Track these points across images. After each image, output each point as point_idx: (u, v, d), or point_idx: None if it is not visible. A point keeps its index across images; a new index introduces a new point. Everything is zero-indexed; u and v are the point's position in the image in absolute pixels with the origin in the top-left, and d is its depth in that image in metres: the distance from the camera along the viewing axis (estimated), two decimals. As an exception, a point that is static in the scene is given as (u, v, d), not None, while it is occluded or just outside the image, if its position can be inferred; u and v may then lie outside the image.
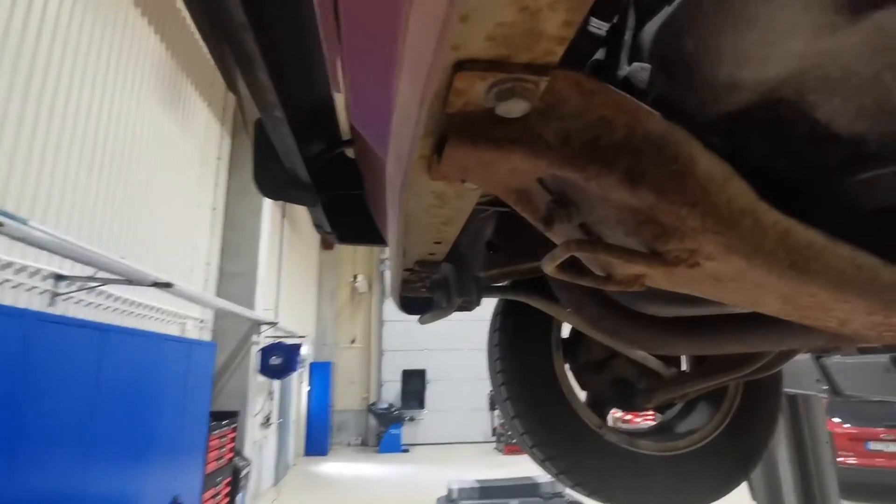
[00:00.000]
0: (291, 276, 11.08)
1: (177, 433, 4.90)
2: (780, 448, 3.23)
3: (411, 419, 14.94)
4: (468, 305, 1.20)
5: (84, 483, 3.38)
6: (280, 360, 7.95)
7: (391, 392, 15.46)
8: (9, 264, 3.34)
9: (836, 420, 7.14)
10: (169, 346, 4.80)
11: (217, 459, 6.01)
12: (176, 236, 6.01)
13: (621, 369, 1.79)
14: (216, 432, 5.99)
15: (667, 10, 0.50)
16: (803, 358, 2.49)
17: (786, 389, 2.07)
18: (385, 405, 14.51)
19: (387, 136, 0.68)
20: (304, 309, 13.07)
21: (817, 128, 0.50)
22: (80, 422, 3.39)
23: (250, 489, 7.39)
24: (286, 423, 10.28)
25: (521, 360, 1.68)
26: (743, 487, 2.02)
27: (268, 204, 8.06)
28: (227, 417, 6.55)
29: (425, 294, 1.30)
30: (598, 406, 1.77)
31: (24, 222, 3.00)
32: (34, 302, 3.60)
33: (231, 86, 1.01)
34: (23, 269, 3.49)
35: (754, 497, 3.39)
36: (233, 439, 6.63)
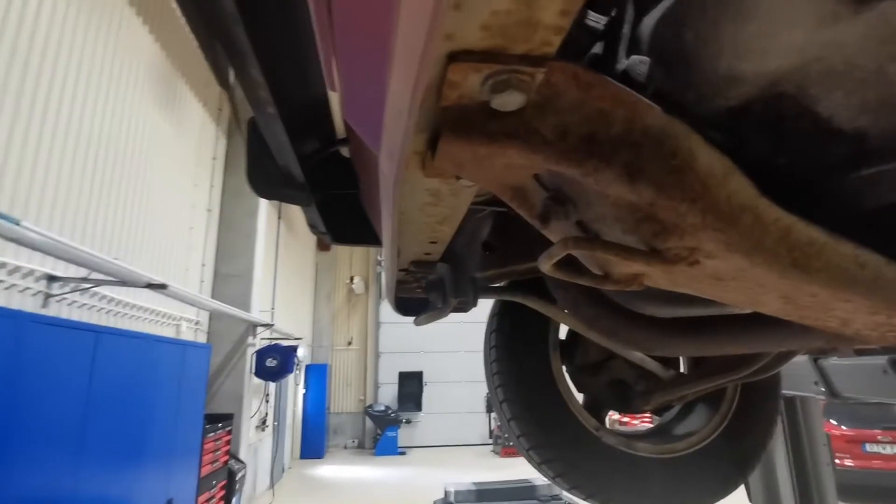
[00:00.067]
0: (287, 278, 11.04)
1: (171, 436, 4.86)
2: (778, 450, 3.23)
3: (408, 421, 14.91)
4: (464, 306, 1.19)
5: (77, 486, 3.34)
6: (276, 363, 7.92)
7: (388, 394, 15.43)
8: (1, 265, 3.31)
9: (834, 422, 7.15)
10: (163, 348, 4.76)
11: (212, 462, 5.97)
12: (171, 237, 5.98)
13: (619, 371, 1.78)
14: (211, 435, 5.96)
15: (666, 2, 0.49)
16: (801, 360, 2.49)
17: (783, 391, 2.06)
18: (382, 407, 14.48)
19: (381, 133, 0.67)
20: (300, 311, 13.04)
21: (819, 123, 0.49)
22: (73, 424, 3.35)
23: (245, 492, 7.35)
24: (282, 426, 10.24)
25: (517, 361, 1.67)
26: (741, 490, 2.01)
27: (264, 205, 8.03)
28: (223, 420, 6.51)
29: (421, 295, 1.28)
30: (596, 408, 1.76)
31: (16, 223, 2.97)
32: (27, 303, 3.57)
33: (222, 81, 1.00)
34: (15, 269, 3.46)
35: (752, 499, 3.38)
36: (228, 442, 6.58)
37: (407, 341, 15.48)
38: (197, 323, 6.79)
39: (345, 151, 1.47)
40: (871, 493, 6.68)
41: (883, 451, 6.96)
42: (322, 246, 15.05)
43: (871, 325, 0.58)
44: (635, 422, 12.39)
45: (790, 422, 3.29)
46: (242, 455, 7.24)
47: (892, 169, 0.49)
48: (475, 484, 6.82)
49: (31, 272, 3.61)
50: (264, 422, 8.93)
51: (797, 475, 3.20)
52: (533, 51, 0.36)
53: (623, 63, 0.53)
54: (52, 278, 3.81)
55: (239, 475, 6.77)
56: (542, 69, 0.38)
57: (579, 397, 1.77)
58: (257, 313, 7.92)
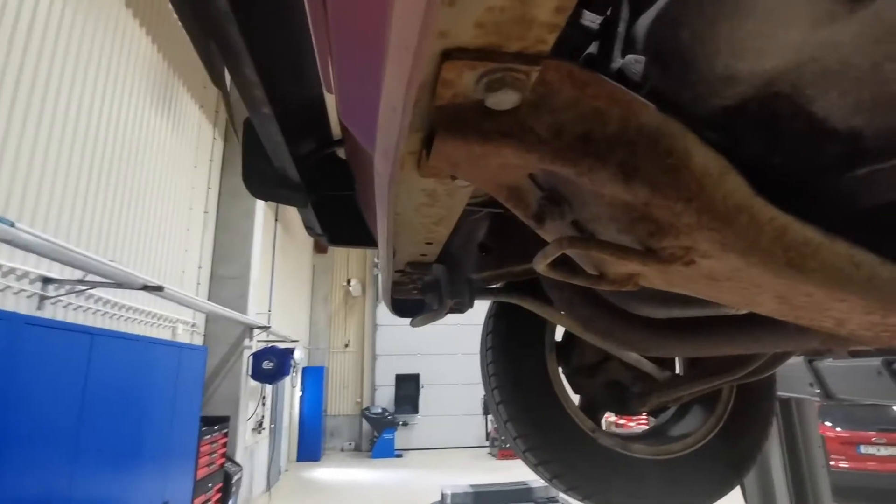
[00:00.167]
0: (284, 280, 11.02)
1: (167, 438, 4.84)
2: (774, 452, 3.23)
3: (405, 424, 14.87)
4: (460, 307, 1.19)
5: (71, 489, 3.32)
6: (272, 365, 7.89)
7: (385, 396, 15.40)
8: (-5, 267, 3.30)
9: (828, 424, 7.17)
10: (159, 350, 4.74)
11: (208, 465, 5.94)
12: (167, 239, 5.96)
13: (615, 373, 1.78)
14: (207, 437, 5.93)
15: (662, 1, 0.49)
16: (796, 361, 2.49)
17: (778, 393, 2.07)
18: (378, 410, 14.44)
19: (375, 133, 0.66)
20: (297, 313, 13.01)
21: (814, 122, 0.49)
22: (69, 427, 3.33)
23: (242, 495, 7.32)
24: (278, 429, 10.20)
25: (514, 363, 1.66)
26: (736, 491, 2.01)
27: (260, 207, 8.02)
28: (219, 422, 6.49)
29: (417, 296, 1.28)
30: (592, 410, 1.76)
31: (11, 224, 2.96)
32: (21, 305, 3.55)
33: (217, 80, 0.99)
34: (10, 271, 3.44)
35: (747, 501, 3.38)
36: (224, 444, 6.56)
37: (404, 344, 15.46)
38: (193, 325, 6.76)
39: (341, 153, 1.47)
40: (866, 495, 6.70)
41: (877, 453, 6.98)
42: (319, 248, 15.03)
43: (865, 324, 0.57)
44: (631, 424, 12.41)
45: (785, 423, 3.30)
46: (239, 458, 7.21)
47: (886, 168, 0.50)
48: (472, 486, 6.81)
49: (25, 274, 3.60)
50: (261, 424, 8.90)
51: (792, 477, 3.21)
52: (528, 49, 0.36)
53: (618, 62, 0.53)
54: (47, 280, 3.79)
55: (235, 478, 6.74)
56: (536, 67, 0.38)
57: (575, 399, 1.77)
58: (254, 315, 7.90)
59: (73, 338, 3.41)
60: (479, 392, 14.94)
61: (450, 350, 15.34)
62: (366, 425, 14.74)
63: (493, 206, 1.07)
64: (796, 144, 0.51)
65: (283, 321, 10.73)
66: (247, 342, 7.68)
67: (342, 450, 14.95)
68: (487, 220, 1.28)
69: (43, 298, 3.77)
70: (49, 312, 3.85)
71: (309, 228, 1.65)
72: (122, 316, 4.94)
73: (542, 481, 1.61)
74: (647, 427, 2.04)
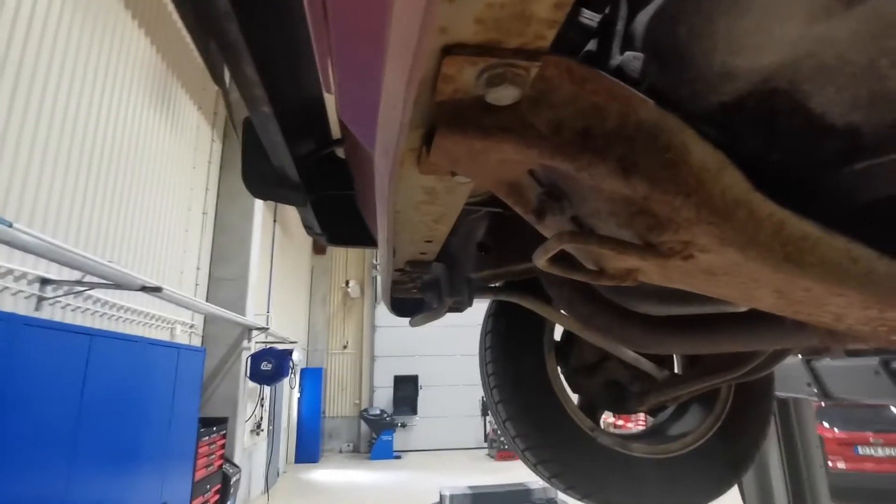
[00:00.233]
0: (283, 281, 11.01)
1: (165, 439, 4.83)
2: (772, 451, 3.24)
3: (403, 425, 14.86)
4: (460, 306, 1.19)
5: (69, 490, 3.31)
6: (271, 366, 7.88)
7: (383, 398, 15.38)
8: (-7, 268, 3.29)
9: (826, 425, 7.19)
10: (157, 352, 4.73)
11: (206, 466, 5.93)
12: (166, 240, 5.95)
13: (614, 372, 1.79)
14: (205, 439, 5.92)
15: None
16: (793, 362, 2.50)
17: (776, 393, 2.08)
18: (377, 411, 14.42)
19: (375, 131, 0.67)
20: (295, 314, 12.99)
21: (812, 118, 0.50)
22: (67, 428, 3.32)
23: (240, 497, 7.30)
24: (277, 430, 10.18)
25: (513, 362, 1.67)
26: (734, 491, 2.01)
27: (259, 208, 8.02)
28: (217, 424, 6.48)
29: (416, 295, 1.28)
30: (591, 409, 1.76)
31: (9, 225, 2.95)
32: (20, 306, 3.55)
33: (217, 79, 1.00)
34: (8, 272, 3.43)
35: (745, 500, 3.39)
36: (222, 446, 6.55)
37: (402, 345, 15.45)
38: (191, 326, 6.76)
39: (340, 152, 1.47)
40: (864, 495, 6.72)
41: (875, 454, 7.01)
42: (318, 249, 15.01)
43: (863, 319, 0.58)
44: (629, 424, 12.41)
45: (783, 423, 3.31)
46: (237, 459, 7.19)
47: (884, 163, 0.50)
48: (470, 488, 6.80)
49: (23, 275, 3.59)
50: (259, 426, 8.88)
51: (790, 476, 3.22)
52: (527, 45, 0.37)
53: (617, 59, 0.53)
54: (45, 281, 3.78)
55: (233, 479, 6.73)
56: (536, 63, 0.38)
57: (574, 398, 1.77)
58: (252, 317, 7.89)
59: (72, 339, 3.41)
60: (478, 393, 14.94)
61: (448, 351, 15.33)
62: (364, 427, 14.72)
63: (491, 206, 1.08)
64: (794, 140, 0.52)
65: (282, 322, 10.72)
66: (245, 343, 7.67)
67: (340, 451, 14.93)
68: (486, 219, 1.29)
69: (41, 299, 3.76)
70: (47, 313, 3.84)
71: (308, 228, 1.65)
72: (120, 317, 4.94)
73: (541, 482, 1.61)
74: (646, 426, 2.04)
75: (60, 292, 3.94)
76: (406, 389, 15.36)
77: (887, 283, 0.49)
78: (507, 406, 1.62)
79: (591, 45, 0.58)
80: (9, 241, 3.00)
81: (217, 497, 6.28)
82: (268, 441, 9.50)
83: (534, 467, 1.62)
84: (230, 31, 0.78)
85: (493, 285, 1.42)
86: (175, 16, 5.97)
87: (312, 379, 13.69)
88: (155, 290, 4.44)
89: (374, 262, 16.23)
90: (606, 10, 0.56)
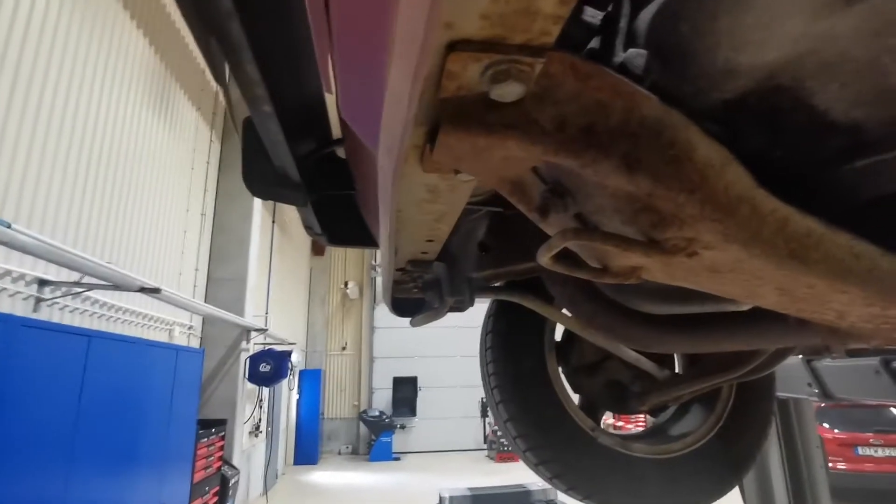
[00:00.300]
0: (282, 282, 11.00)
1: (163, 441, 4.82)
2: (772, 452, 3.24)
3: (402, 427, 14.84)
4: (461, 306, 1.19)
5: (67, 491, 3.30)
6: (269, 368, 7.87)
7: (382, 399, 15.37)
8: (-8, 269, 3.28)
9: (826, 426, 7.20)
10: (156, 353, 4.72)
11: (205, 468, 5.92)
12: (164, 241, 5.95)
13: (615, 372, 1.78)
14: (204, 440, 5.91)
15: None
16: (794, 362, 2.50)
17: (777, 393, 2.08)
18: (376, 413, 14.40)
19: (377, 129, 0.66)
20: (294, 315, 12.98)
21: (815, 115, 0.50)
22: (65, 429, 3.31)
23: (239, 498, 7.28)
24: (275, 432, 10.17)
25: (514, 362, 1.66)
26: (735, 492, 2.01)
27: (258, 209, 8.01)
28: (216, 425, 6.47)
29: (417, 295, 1.28)
30: (592, 409, 1.76)
31: (7, 225, 2.95)
32: (17, 307, 3.54)
33: (219, 78, 0.99)
34: (6, 273, 3.43)
35: (746, 501, 3.39)
36: (221, 448, 6.53)
37: (401, 346, 15.44)
38: (190, 327, 6.74)
39: (340, 152, 1.47)
40: (863, 496, 6.73)
41: (875, 455, 7.02)
42: (316, 250, 15.00)
43: (866, 317, 0.58)
44: (629, 426, 12.41)
45: (784, 424, 3.31)
46: (236, 461, 7.18)
47: (887, 160, 0.50)
48: (470, 489, 6.79)
49: (21, 276, 3.58)
50: (258, 427, 8.87)
51: (791, 477, 3.21)
52: (532, 41, 0.37)
53: (620, 56, 0.53)
54: (43, 282, 3.77)
55: (232, 481, 6.71)
56: (541, 59, 0.38)
57: (575, 398, 1.77)
58: (251, 318, 7.88)
59: (70, 340, 3.40)
60: (477, 394, 14.93)
61: (447, 352, 15.33)
62: (363, 428, 14.70)
63: (492, 205, 1.08)
64: (797, 137, 0.52)
65: (281, 324, 10.70)
66: (244, 345, 7.66)
67: (339, 453, 14.91)
68: (487, 218, 1.29)
69: (39, 300, 3.75)
70: (45, 315, 3.83)
71: (308, 228, 1.65)
72: (118, 318, 4.93)
73: (541, 484, 1.61)
74: (647, 426, 2.04)
75: (59, 293, 3.94)
76: (405, 391, 15.35)
77: (890, 279, 0.49)
78: (509, 406, 1.62)
79: (594, 43, 0.58)
80: (7, 241, 2.99)
81: (216, 499, 6.26)
82: (266, 443, 9.48)
83: (535, 468, 1.62)
84: (232, 29, 0.78)
85: (494, 285, 1.42)
86: (174, 16, 5.97)
87: (311, 380, 13.67)
88: (153, 292, 4.43)
89: (374, 262, 16.23)
90: (609, 8, 0.57)
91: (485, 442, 14.78)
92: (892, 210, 0.54)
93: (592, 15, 0.56)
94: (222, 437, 6.62)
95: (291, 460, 12.68)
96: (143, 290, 4.34)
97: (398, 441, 14.37)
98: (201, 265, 7.19)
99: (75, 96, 4.20)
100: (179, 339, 6.32)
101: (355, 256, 16.38)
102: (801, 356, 2.36)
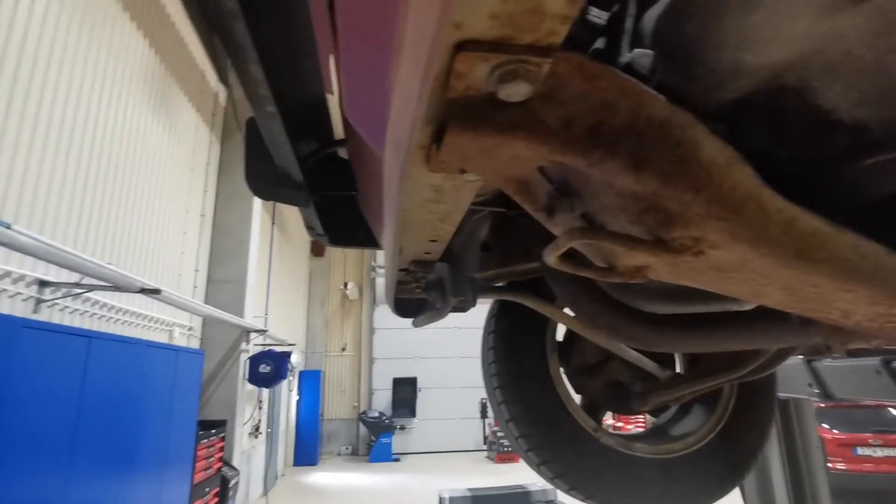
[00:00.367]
0: (281, 283, 10.99)
1: (163, 442, 4.81)
2: (772, 452, 3.24)
3: (402, 428, 14.82)
4: (464, 306, 1.19)
5: (67, 493, 3.29)
6: (269, 369, 7.86)
7: (382, 400, 15.35)
8: (-8, 270, 3.28)
9: (825, 426, 7.21)
10: (156, 354, 4.72)
11: (205, 469, 5.91)
12: (164, 242, 5.94)
13: (616, 372, 1.78)
14: (204, 442, 5.90)
15: None
16: (794, 362, 2.51)
17: (777, 394, 2.08)
18: (376, 414, 14.38)
19: (383, 130, 0.67)
20: (293, 316, 12.97)
21: (820, 114, 0.50)
22: (65, 430, 3.31)
23: (239, 499, 7.27)
24: (275, 433, 10.16)
25: (516, 363, 1.67)
26: (736, 493, 2.01)
27: (257, 210, 8.00)
28: (216, 426, 6.46)
29: (420, 295, 1.28)
30: (593, 409, 1.76)
31: (7, 226, 2.94)
32: (17, 308, 3.53)
33: (223, 78, 1.00)
34: (6, 274, 3.42)
35: (746, 501, 3.39)
36: (221, 449, 6.52)
37: (401, 347, 15.43)
38: (190, 329, 6.74)
39: (342, 153, 1.47)
40: (863, 496, 6.73)
41: (874, 455, 7.02)
42: (316, 251, 15.00)
43: (871, 315, 0.58)
44: (629, 427, 12.41)
45: (784, 424, 3.31)
46: (235, 462, 7.17)
47: (891, 159, 0.50)
48: (470, 490, 6.79)
49: (22, 277, 3.58)
50: (257, 428, 8.86)
51: (791, 477, 3.21)
52: (540, 41, 0.37)
53: (626, 56, 0.53)
54: (43, 283, 3.77)
55: (232, 482, 6.70)
56: (548, 59, 0.38)
57: (577, 399, 1.77)
58: (251, 319, 7.88)
59: (70, 341, 3.40)
60: (477, 395, 14.92)
61: (447, 353, 15.32)
62: (363, 429, 14.68)
63: (495, 205, 1.08)
64: (802, 136, 0.52)
65: (280, 325, 10.69)
66: (243, 346, 7.65)
67: (339, 454, 14.89)
68: (489, 219, 1.29)
69: (39, 301, 3.75)
70: (45, 315, 3.82)
71: (310, 228, 1.65)
72: (118, 319, 4.92)
73: (541, 484, 1.61)
74: (649, 426, 2.04)
75: (59, 294, 3.93)
76: (405, 392, 15.33)
77: (895, 278, 0.50)
78: (511, 407, 1.62)
79: (599, 43, 0.58)
80: (7, 242, 2.99)
81: (216, 500, 6.25)
82: (266, 444, 9.47)
83: (537, 468, 1.62)
84: (237, 30, 0.78)
85: (496, 285, 1.42)
86: (174, 17, 5.98)
87: (311, 381, 13.66)
88: (154, 293, 4.42)
89: (373, 263, 16.22)
90: (614, 8, 0.57)
91: (484, 443, 14.76)
92: None
93: (598, 15, 0.57)
94: (222, 439, 6.61)
95: (291, 461, 12.66)
96: (143, 291, 4.33)
97: (398, 442, 14.36)
98: (201, 266, 7.18)
99: (75, 97, 4.19)
100: (179, 340, 6.31)
101: (355, 257, 16.37)
102: (801, 356, 2.36)
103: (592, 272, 0.62)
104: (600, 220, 0.57)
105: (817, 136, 0.52)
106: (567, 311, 1.46)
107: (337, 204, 1.57)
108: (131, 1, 5.06)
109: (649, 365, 1.65)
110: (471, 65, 0.38)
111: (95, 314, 4.53)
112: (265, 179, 1.34)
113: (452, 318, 1.44)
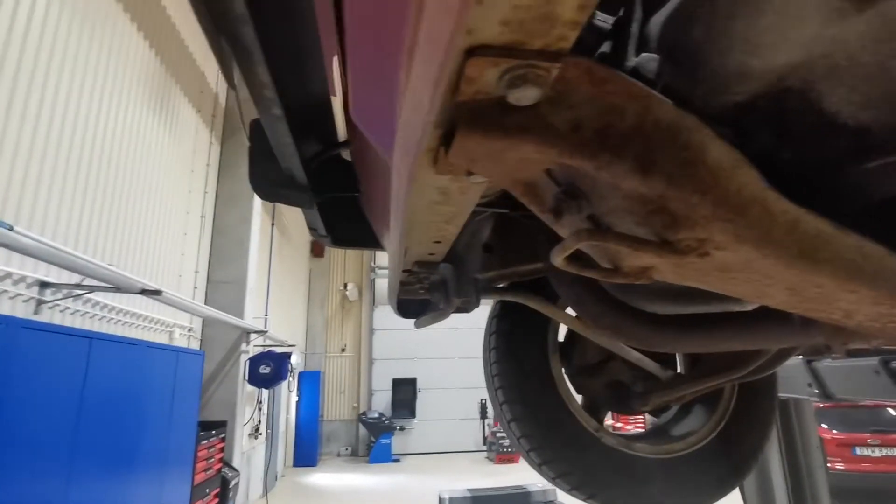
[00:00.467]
0: (281, 284, 10.99)
1: (164, 443, 4.81)
2: (772, 452, 3.25)
3: (402, 428, 14.82)
4: (467, 306, 1.19)
5: (68, 494, 3.30)
6: (269, 370, 7.86)
7: (381, 401, 15.35)
8: (-7, 271, 3.28)
9: (824, 426, 7.22)
10: (156, 355, 4.72)
11: (205, 470, 5.91)
12: (164, 243, 5.94)
13: (617, 372, 1.79)
14: (204, 442, 5.91)
15: (675, 0, 0.51)
16: (794, 362, 2.51)
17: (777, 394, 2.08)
18: (375, 414, 14.38)
19: (389, 132, 0.67)
20: (293, 317, 12.97)
21: (824, 117, 0.51)
22: (65, 431, 3.31)
23: (239, 500, 7.27)
24: (275, 434, 10.16)
25: (517, 363, 1.67)
26: (735, 493, 2.02)
27: (257, 211, 8.01)
28: (216, 427, 6.46)
29: (423, 296, 1.29)
30: (595, 409, 1.77)
31: (9, 228, 2.95)
32: (18, 309, 3.53)
33: (230, 81, 1.00)
34: (7, 276, 3.42)
35: (746, 501, 3.39)
36: (221, 450, 6.53)
37: (401, 348, 15.43)
38: (190, 329, 6.74)
39: (346, 154, 1.47)
40: (862, 496, 6.75)
41: (872, 455, 7.04)
42: (316, 252, 15.00)
43: (873, 315, 0.59)
44: (629, 427, 12.42)
45: (784, 424, 3.32)
46: (236, 463, 7.17)
47: (894, 162, 0.51)
48: (470, 490, 6.80)
49: (23, 278, 3.58)
50: (257, 429, 8.86)
51: (791, 477, 3.22)
52: (550, 46, 0.37)
53: (633, 60, 0.54)
54: (44, 284, 3.77)
55: (232, 483, 6.70)
56: (557, 64, 0.38)
57: (578, 399, 1.78)
58: (250, 320, 7.88)
59: (71, 342, 3.40)
60: (477, 396, 14.92)
61: (447, 354, 15.32)
62: (363, 430, 14.68)
63: (498, 207, 1.09)
64: (806, 139, 0.53)
65: (280, 325, 10.70)
66: (243, 347, 7.65)
67: (339, 455, 14.88)
68: (491, 220, 1.30)
69: (40, 302, 3.75)
70: (46, 317, 3.83)
71: (313, 230, 1.66)
72: (118, 320, 4.92)
73: (540, 485, 1.61)
74: (650, 426, 2.04)
75: (60, 295, 3.93)
76: (404, 392, 15.33)
77: None
78: (513, 407, 1.63)
79: (605, 47, 0.59)
80: (8, 244, 2.99)
81: (216, 500, 6.26)
82: (266, 445, 9.47)
83: (538, 468, 1.62)
84: (244, 32, 0.79)
85: (498, 286, 1.42)
86: (174, 18, 5.98)
87: (310, 382, 13.66)
88: (154, 294, 4.43)
89: (373, 264, 16.22)
90: (620, 13, 0.57)
91: (484, 443, 14.77)
92: None
93: (604, 19, 0.57)
94: (222, 439, 6.62)
95: (291, 462, 12.66)
96: (144, 291, 4.34)
97: (397, 443, 14.36)
98: (201, 267, 7.19)
99: (76, 98, 4.20)
100: (179, 340, 6.31)
101: (354, 258, 16.38)
102: (801, 356, 2.37)
103: (598, 273, 0.62)
104: (607, 221, 0.58)
105: (821, 138, 0.52)
106: (569, 311, 1.47)
107: (340, 205, 1.57)
108: (131, 1, 5.07)
109: (650, 365, 1.66)
110: (481, 69, 0.38)
111: (96, 315, 4.53)
112: (269, 181, 1.34)
113: (451, 319, 1.45)
